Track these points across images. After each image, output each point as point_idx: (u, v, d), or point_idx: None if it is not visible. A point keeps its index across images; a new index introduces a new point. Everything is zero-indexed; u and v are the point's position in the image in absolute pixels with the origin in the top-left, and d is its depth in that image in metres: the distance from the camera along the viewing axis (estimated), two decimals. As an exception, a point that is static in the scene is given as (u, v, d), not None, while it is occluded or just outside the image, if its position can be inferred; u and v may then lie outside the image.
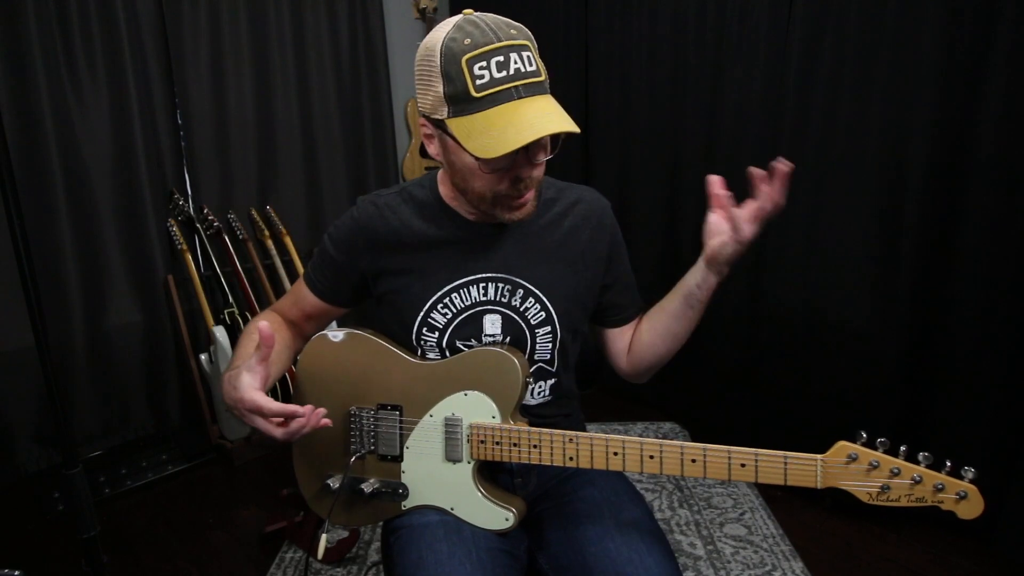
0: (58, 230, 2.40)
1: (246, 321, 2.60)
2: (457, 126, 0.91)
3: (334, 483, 1.08)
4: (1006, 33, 1.65)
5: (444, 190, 1.10)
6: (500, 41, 0.89)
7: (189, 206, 2.70)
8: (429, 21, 3.33)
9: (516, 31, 0.92)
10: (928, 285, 1.88)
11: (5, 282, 2.26)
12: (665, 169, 2.64)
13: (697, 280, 1.05)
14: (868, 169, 1.94)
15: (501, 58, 0.88)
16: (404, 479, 1.06)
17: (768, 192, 1.01)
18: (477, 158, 0.90)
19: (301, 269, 2.87)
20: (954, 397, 1.87)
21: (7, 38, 2.24)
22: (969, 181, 1.77)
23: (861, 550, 1.93)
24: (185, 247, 2.62)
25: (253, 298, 2.70)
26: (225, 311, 2.60)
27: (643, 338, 1.16)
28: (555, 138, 0.95)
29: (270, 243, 2.85)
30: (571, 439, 0.96)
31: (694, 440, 2.61)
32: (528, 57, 0.90)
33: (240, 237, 2.79)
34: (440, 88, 0.90)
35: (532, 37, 0.94)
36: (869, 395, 2.01)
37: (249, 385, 0.92)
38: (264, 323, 0.92)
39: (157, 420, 2.73)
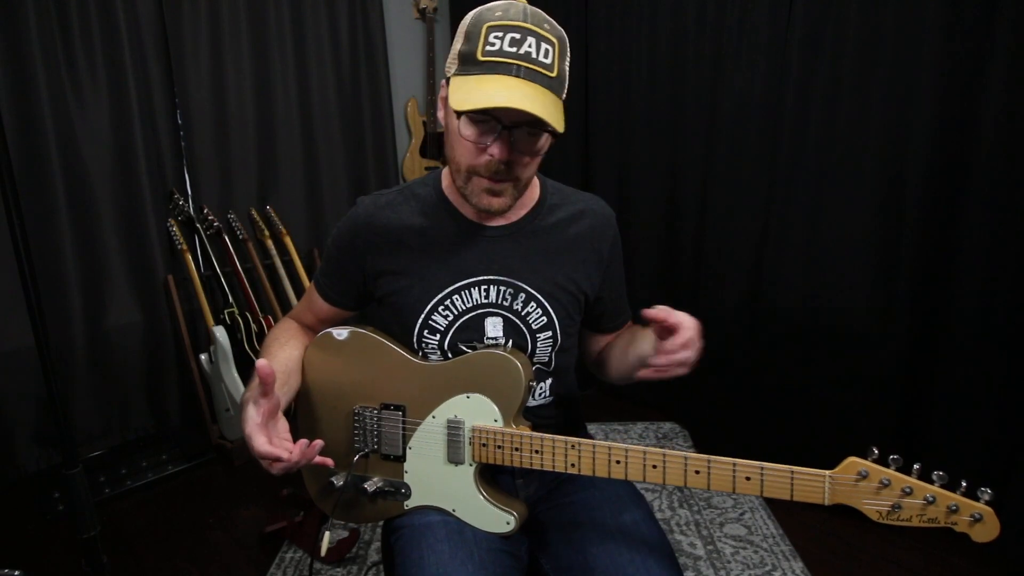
0: (58, 230, 2.39)
1: (246, 321, 2.61)
2: (455, 81, 0.94)
3: (338, 481, 1.08)
4: (1006, 33, 1.65)
5: (447, 185, 1.10)
6: (526, 23, 0.90)
7: (189, 206, 2.70)
8: (429, 21, 3.33)
9: (549, 27, 0.93)
10: (928, 285, 1.89)
11: (5, 282, 2.26)
12: (665, 169, 2.64)
13: (649, 353, 1.01)
14: (868, 169, 1.94)
15: (518, 35, 0.90)
16: (407, 479, 1.06)
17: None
18: (456, 112, 0.92)
19: (301, 269, 2.87)
20: (954, 397, 1.87)
21: (7, 38, 2.24)
22: (969, 181, 1.77)
23: (861, 550, 1.93)
24: (185, 247, 2.61)
25: (253, 298, 2.70)
26: (225, 311, 2.60)
27: (607, 360, 1.19)
28: (540, 136, 0.95)
29: (270, 243, 2.85)
30: (573, 445, 0.96)
31: (694, 440, 2.63)
32: (547, 50, 0.91)
33: (240, 237, 2.79)
34: (459, 46, 0.95)
35: (566, 42, 0.95)
36: (869, 394, 2.01)
37: (251, 420, 0.92)
38: (262, 361, 0.91)
39: (157, 420, 2.73)
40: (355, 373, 1.09)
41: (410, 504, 1.06)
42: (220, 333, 2.51)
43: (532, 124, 0.91)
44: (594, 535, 1.01)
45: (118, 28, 2.44)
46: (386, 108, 3.32)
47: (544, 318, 1.08)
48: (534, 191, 1.13)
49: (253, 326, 2.62)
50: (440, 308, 1.07)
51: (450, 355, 1.08)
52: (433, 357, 1.09)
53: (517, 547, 1.05)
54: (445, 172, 1.12)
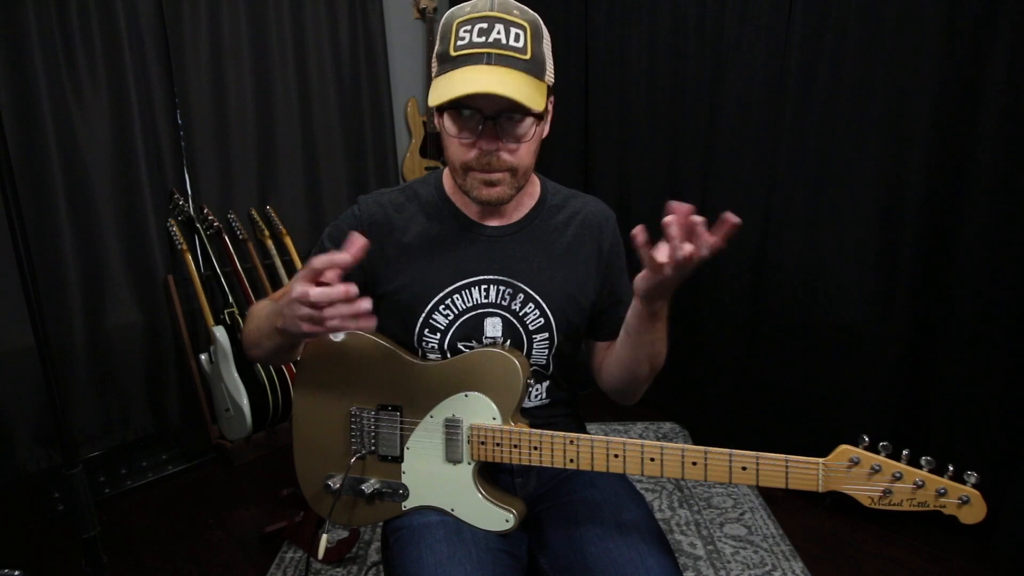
0: (58, 230, 2.40)
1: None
2: (434, 83, 0.97)
3: (335, 483, 1.08)
4: (1006, 33, 1.65)
5: (449, 185, 1.11)
6: (493, 11, 0.93)
7: (189, 206, 2.70)
8: (429, 21, 3.34)
9: (519, 12, 0.95)
10: (928, 285, 1.88)
11: (5, 282, 2.26)
12: (665, 169, 2.64)
13: (632, 308, 0.99)
14: (868, 169, 1.94)
15: (485, 25, 0.92)
16: (405, 479, 1.06)
17: (709, 241, 0.84)
18: (436, 109, 0.97)
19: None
20: (954, 397, 1.87)
21: (7, 38, 2.24)
22: (969, 181, 1.77)
23: (861, 550, 1.93)
24: (185, 247, 2.61)
25: (253, 298, 2.70)
26: (225, 311, 2.60)
27: (608, 360, 1.15)
28: (523, 121, 0.95)
29: (270, 243, 2.85)
30: (571, 441, 0.96)
31: (694, 440, 2.63)
32: (517, 35, 0.93)
33: (240, 237, 2.79)
34: (436, 48, 0.98)
35: (539, 25, 0.97)
36: (869, 394, 2.01)
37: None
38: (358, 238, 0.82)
39: (157, 420, 2.73)
40: (351, 375, 1.08)
41: (408, 505, 1.06)
42: (220, 333, 2.51)
43: (512, 109, 0.93)
44: (593, 534, 1.01)
45: (118, 28, 2.44)
46: (386, 108, 3.32)
47: (541, 319, 1.08)
48: (535, 191, 1.13)
49: (253, 326, 2.62)
50: (441, 307, 1.07)
51: (449, 355, 1.08)
52: (432, 356, 1.09)
53: (516, 546, 1.05)
54: (446, 172, 1.12)
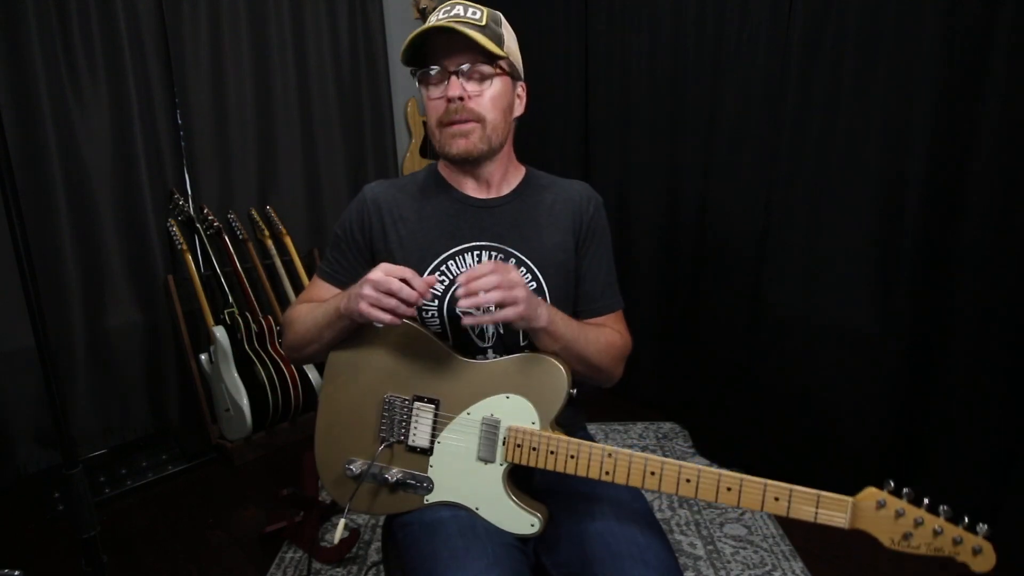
0: (58, 230, 2.40)
1: (246, 321, 2.61)
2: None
3: (356, 468, 1.07)
4: (1006, 33, 1.65)
5: (444, 168, 1.21)
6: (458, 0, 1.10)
7: (189, 206, 2.70)
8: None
9: (481, 3, 1.11)
10: (928, 286, 1.88)
11: (5, 282, 2.26)
12: (665, 169, 2.64)
13: None
14: (868, 169, 1.94)
15: (448, 7, 1.10)
16: (431, 473, 1.05)
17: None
18: (405, 65, 1.12)
19: (301, 269, 2.87)
20: (954, 398, 1.87)
21: (7, 38, 2.24)
22: (969, 181, 1.77)
23: (861, 550, 1.93)
24: (185, 247, 2.62)
25: (253, 298, 2.70)
26: (225, 311, 2.60)
27: None
28: (484, 72, 1.08)
29: (270, 243, 2.85)
30: (610, 454, 0.97)
31: (694, 440, 2.62)
32: (474, 11, 1.08)
33: (240, 237, 2.79)
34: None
35: (500, 16, 1.13)
36: (869, 396, 2.01)
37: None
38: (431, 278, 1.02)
39: (157, 420, 2.73)
40: (391, 361, 1.07)
41: (431, 499, 1.05)
42: (220, 333, 2.51)
43: (471, 60, 1.06)
44: (592, 529, 1.02)
45: (118, 28, 2.44)
46: (386, 108, 3.32)
47: (534, 283, 1.13)
48: (520, 172, 1.22)
49: (253, 326, 2.62)
50: (436, 274, 1.11)
51: (448, 323, 1.11)
52: (433, 325, 1.12)
53: (524, 541, 1.06)
54: (442, 161, 1.21)
